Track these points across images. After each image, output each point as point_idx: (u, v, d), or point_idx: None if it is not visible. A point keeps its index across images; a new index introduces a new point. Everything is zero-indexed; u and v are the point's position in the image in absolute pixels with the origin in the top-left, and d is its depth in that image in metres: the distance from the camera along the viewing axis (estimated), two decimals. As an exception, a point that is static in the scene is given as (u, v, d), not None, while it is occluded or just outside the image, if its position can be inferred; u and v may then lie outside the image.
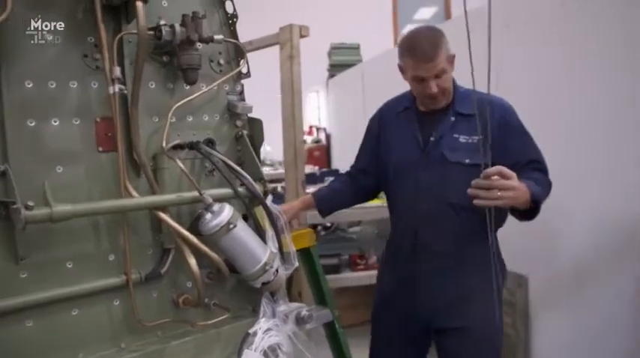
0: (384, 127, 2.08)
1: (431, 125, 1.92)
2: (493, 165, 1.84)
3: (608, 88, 2.24)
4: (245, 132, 1.54)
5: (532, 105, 2.49)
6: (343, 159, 5.32)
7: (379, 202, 3.55)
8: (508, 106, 1.91)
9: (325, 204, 2.21)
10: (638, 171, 2.11)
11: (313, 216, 3.70)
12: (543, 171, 1.86)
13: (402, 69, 1.90)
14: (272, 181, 4.81)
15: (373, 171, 2.11)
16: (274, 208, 1.56)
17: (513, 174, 1.58)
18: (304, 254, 2.56)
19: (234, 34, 1.53)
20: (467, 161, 1.84)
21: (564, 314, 2.55)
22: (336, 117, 6.12)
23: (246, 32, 2.96)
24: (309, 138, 6.30)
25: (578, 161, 2.39)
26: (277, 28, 2.95)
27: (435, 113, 1.92)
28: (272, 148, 5.83)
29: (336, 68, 5.86)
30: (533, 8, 2.65)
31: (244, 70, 1.58)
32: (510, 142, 1.85)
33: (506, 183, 1.57)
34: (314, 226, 4.17)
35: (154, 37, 1.35)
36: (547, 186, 1.84)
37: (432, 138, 1.90)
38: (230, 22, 1.53)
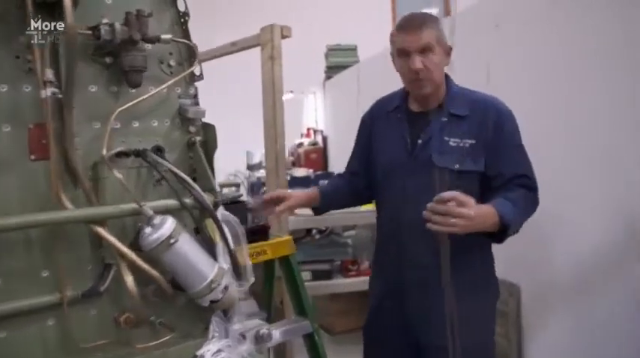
0: (374, 126, 1.99)
1: (421, 126, 1.81)
2: (483, 174, 1.77)
3: (608, 88, 2.16)
4: (198, 138, 1.44)
5: (532, 107, 2.43)
6: (340, 161, 5.24)
7: (374, 206, 3.47)
8: (505, 110, 1.79)
9: (326, 200, 2.11)
10: (638, 172, 2.01)
11: (306, 221, 3.64)
12: (531, 187, 1.75)
13: (392, 55, 1.83)
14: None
15: (364, 173, 2.02)
16: (231, 219, 1.46)
17: (470, 201, 1.52)
18: (283, 262, 2.48)
19: (186, 33, 1.43)
20: (456, 166, 1.73)
21: (559, 323, 2.46)
22: (332, 119, 6.04)
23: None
24: (306, 141, 6.22)
25: (577, 163, 2.30)
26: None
27: (426, 113, 1.82)
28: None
29: (332, 70, 5.77)
30: (529, 6, 2.58)
31: (197, 72, 1.48)
32: (500, 150, 1.75)
33: (462, 212, 1.50)
34: (309, 230, 4.10)
35: (92, 36, 1.26)
36: (529, 206, 1.74)
37: (419, 140, 1.79)
38: (182, 20, 1.43)
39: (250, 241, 2.32)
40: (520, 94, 2.52)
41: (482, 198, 1.78)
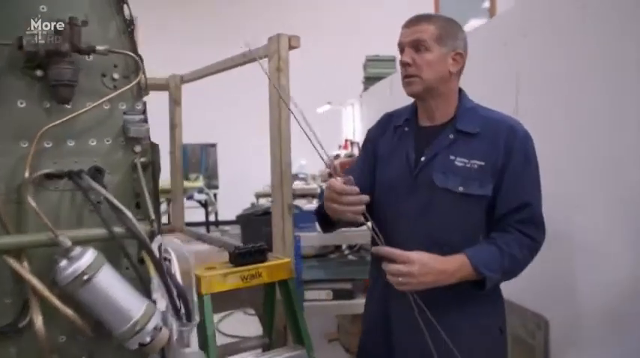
0: (379, 140, 1.84)
1: (427, 142, 1.65)
2: (490, 199, 1.58)
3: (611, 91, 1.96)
4: (142, 159, 1.30)
5: (561, 119, 2.25)
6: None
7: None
8: (521, 131, 1.60)
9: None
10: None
11: (331, 237, 3.46)
12: (534, 223, 1.58)
13: None
14: (304, 196, 4.65)
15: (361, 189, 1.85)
16: (180, 249, 1.31)
17: (407, 257, 1.46)
18: (282, 286, 2.35)
19: (132, 43, 1.30)
20: (460, 189, 1.56)
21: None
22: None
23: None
24: (343, 152, 6.07)
25: (608, 184, 2.04)
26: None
27: (435, 128, 1.66)
28: (307, 162, 5.68)
29: (370, 81, 5.62)
30: (557, 17, 2.38)
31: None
32: (506, 175, 1.57)
33: (401, 270, 1.44)
34: (337, 246, 3.93)
35: (16, 47, 1.15)
36: (524, 251, 1.56)
37: (422, 158, 1.63)
38: (129, 29, 1.30)
39: (248, 263, 2.20)
40: (549, 106, 2.35)
41: (488, 226, 1.62)
